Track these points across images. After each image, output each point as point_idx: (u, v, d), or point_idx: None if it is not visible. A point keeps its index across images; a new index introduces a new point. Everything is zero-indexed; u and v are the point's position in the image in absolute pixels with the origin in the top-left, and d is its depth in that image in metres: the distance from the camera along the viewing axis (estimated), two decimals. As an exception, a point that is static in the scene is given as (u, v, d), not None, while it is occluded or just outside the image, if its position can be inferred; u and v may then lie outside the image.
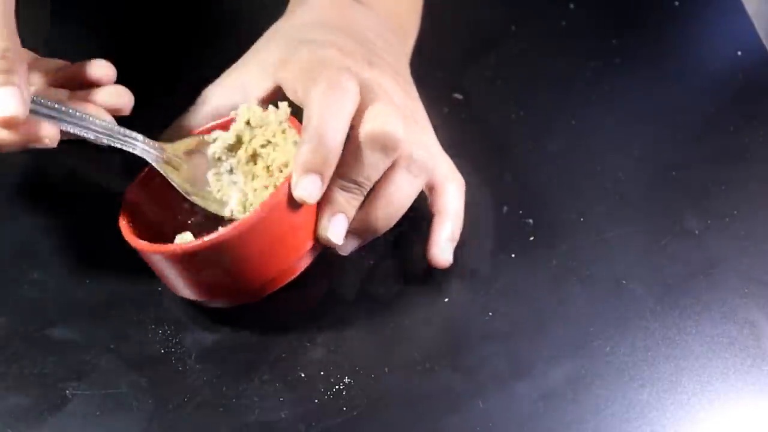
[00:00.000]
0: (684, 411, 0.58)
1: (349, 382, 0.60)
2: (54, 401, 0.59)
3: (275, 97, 0.65)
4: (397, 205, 0.63)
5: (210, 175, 0.64)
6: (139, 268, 0.62)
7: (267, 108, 0.64)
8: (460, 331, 0.63)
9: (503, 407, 0.59)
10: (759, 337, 0.62)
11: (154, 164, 0.62)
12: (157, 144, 0.63)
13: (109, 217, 0.63)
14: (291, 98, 0.63)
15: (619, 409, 0.58)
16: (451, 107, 0.78)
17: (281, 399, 0.59)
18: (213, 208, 0.63)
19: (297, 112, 0.62)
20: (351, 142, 0.60)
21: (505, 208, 0.70)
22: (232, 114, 0.64)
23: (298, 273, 0.62)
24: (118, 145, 0.61)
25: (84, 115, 0.60)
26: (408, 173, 0.62)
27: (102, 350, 0.62)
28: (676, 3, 0.88)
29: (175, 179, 0.63)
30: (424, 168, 0.63)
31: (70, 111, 0.59)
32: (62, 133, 0.60)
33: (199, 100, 0.68)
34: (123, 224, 0.61)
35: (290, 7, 0.72)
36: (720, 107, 0.78)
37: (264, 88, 0.65)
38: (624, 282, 0.65)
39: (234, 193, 0.63)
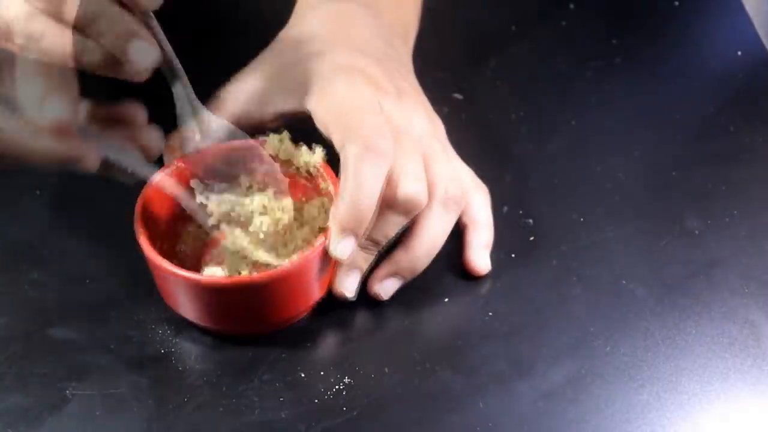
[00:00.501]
0: (684, 411, 0.58)
1: (349, 382, 0.60)
2: (54, 401, 0.59)
3: (293, 117, 0.65)
4: (437, 241, 0.64)
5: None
6: (139, 268, 0.62)
7: (299, 145, 0.64)
8: (460, 331, 0.63)
9: (503, 407, 0.59)
10: (759, 337, 0.62)
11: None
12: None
13: (110, 217, 0.64)
14: (320, 130, 0.63)
15: (619, 409, 0.58)
16: (451, 107, 0.78)
17: (281, 399, 0.59)
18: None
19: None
20: None
21: (505, 208, 0.70)
22: (262, 140, 0.64)
23: (303, 316, 0.63)
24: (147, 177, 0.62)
25: (122, 149, 0.61)
26: (444, 211, 0.64)
27: (102, 350, 0.62)
28: (676, 3, 0.88)
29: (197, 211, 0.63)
30: (459, 201, 0.65)
31: (110, 143, 0.60)
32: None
33: (222, 96, 0.66)
34: (142, 239, 0.60)
35: (299, 10, 0.72)
36: (720, 107, 0.78)
37: (284, 106, 0.65)
38: (624, 282, 0.65)
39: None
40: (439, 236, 0.64)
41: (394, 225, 0.63)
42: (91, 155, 0.59)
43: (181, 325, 0.63)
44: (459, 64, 0.83)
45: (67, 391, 0.60)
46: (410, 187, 0.61)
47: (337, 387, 0.60)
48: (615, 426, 0.58)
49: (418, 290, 0.65)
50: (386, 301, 0.64)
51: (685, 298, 0.64)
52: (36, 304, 0.65)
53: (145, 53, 0.55)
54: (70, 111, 0.56)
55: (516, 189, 0.72)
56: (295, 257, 0.60)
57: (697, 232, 0.68)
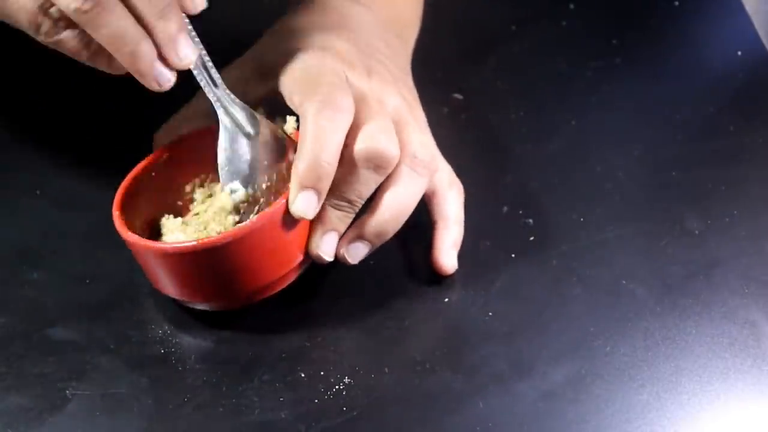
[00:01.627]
0: (684, 411, 0.58)
1: (349, 382, 0.60)
2: (54, 401, 0.59)
3: (268, 99, 0.65)
4: (405, 205, 0.63)
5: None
6: (139, 268, 0.62)
7: (275, 120, 0.64)
8: (460, 331, 0.63)
9: (503, 407, 0.59)
10: (759, 337, 0.62)
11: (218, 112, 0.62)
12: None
13: (110, 217, 0.63)
14: (288, 104, 0.63)
15: (619, 409, 0.58)
16: (451, 107, 0.78)
17: (281, 399, 0.59)
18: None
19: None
20: (344, 160, 0.61)
21: (505, 208, 0.70)
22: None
23: (284, 285, 0.62)
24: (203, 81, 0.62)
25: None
26: (412, 172, 0.63)
27: (102, 350, 0.62)
28: (676, 3, 0.88)
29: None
30: (428, 166, 0.64)
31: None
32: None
33: (196, 98, 0.68)
34: (116, 216, 0.61)
35: (291, 8, 0.72)
36: (720, 107, 0.78)
37: (263, 89, 0.65)
38: (624, 282, 0.65)
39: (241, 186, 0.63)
40: (406, 199, 0.63)
41: (366, 183, 0.61)
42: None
43: (181, 325, 0.63)
44: (459, 64, 0.83)
45: (67, 391, 0.60)
46: (380, 142, 0.61)
47: (337, 387, 0.60)
48: (615, 426, 0.58)
49: (418, 290, 0.65)
50: (386, 301, 0.64)
51: (685, 298, 0.64)
52: (36, 304, 0.65)
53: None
54: None
55: (516, 189, 0.72)
56: (254, 218, 0.59)
57: (697, 232, 0.68)
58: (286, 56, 0.65)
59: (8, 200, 0.71)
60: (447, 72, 0.82)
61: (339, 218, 0.62)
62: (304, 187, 0.59)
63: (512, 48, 0.84)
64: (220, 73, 0.66)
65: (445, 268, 0.65)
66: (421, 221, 0.67)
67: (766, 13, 0.87)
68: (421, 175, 0.63)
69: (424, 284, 0.66)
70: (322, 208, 0.61)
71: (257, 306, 0.63)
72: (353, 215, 0.62)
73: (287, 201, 0.59)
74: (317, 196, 0.59)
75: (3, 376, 0.61)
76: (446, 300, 0.65)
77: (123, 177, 0.64)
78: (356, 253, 0.63)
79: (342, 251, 0.63)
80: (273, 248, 0.60)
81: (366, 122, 0.61)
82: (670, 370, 0.60)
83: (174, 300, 0.64)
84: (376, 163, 0.61)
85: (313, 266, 0.63)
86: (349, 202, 0.62)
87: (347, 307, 0.64)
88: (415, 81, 0.72)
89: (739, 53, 0.83)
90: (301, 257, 0.62)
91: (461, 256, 0.67)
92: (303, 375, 0.61)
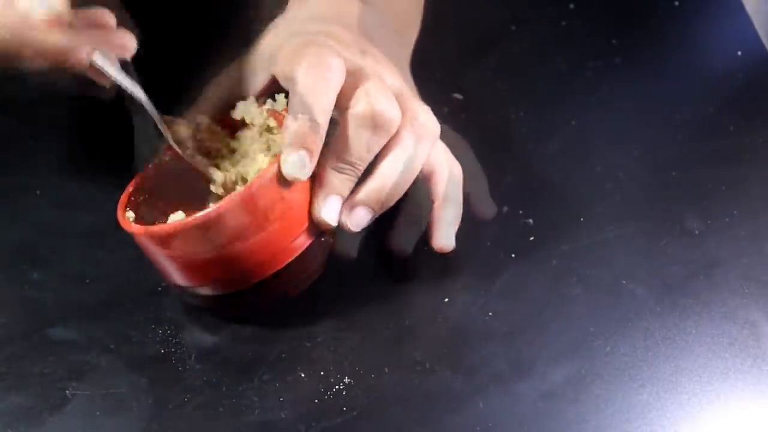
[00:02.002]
0: (684, 411, 0.58)
1: (349, 382, 0.60)
2: (54, 401, 0.59)
3: (272, 88, 0.65)
4: (407, 170, 0.62)
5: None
6: (139, 267, 0.62)
7: (264, 102, 0.64)
8: (460, 331, 0.63)
9: (503, 407, 0.59)
10: (759, 337, 0.62)
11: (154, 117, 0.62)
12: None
13: (110, 216, 0.63)
14: (284, 86, 0.63)
15: (619, 409, 0.58)
16: (451, 107, 0.78)
17: (281, 399, 0.59)
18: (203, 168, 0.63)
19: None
20: (343, 123, 0.61)
21: (505, 208, 0.70)
22: (235, 115, 0.65)
23: (291, 258, 0.61)
24: (131, 90, 0.61)
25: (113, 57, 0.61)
26: (413, 135, 0.62)
27: (102, 350, 0.62)
28: (676, 3, 0.88)
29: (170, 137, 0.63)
30: (431, 131, 0.63)
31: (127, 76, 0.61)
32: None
33: (204, 94, 0.67)
34: (120, 212, 0.61)
35: (289, 5, 0.72)
36: (720, 107, 0.78)
37: (260, 80, 0.65)
38: (624, 282, 0.65)
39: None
40: (409, 165, 0.62)
41: (366, 145, 0.60)
42: (82, 47, 0.58)
43: (181, 325, 0.63)
44: (459, 64, 0.83)
45: (67, 391, 0.60)
46: (379, 103, 0.60)
47: (337, 387, 0.60)
48: (615, 426, 0.58)
49: (418, 290, 0.66)
50: (386, 301, 0.64)
51: (685, 298, 0.64)
52: (36, 304, 0.65)
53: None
54: (63, 4, 0.57)
55: (516, 189, 0.72)
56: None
57: (697, 232, 0.68)
58: (282, 46, 0.65)
59: (8, 200, 0.71)
60: (447, 72, 0.82)
61: (341, 181, 0.61)
62: (295, 146, 0.58)
63: (512, 48, 0.84)
64: (222, 72, 0.66)
65: (443, 246, 0.65)
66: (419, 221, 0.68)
67: (766, 13, 0.87)
68: (424, 139, 0.62)
69: (424, 284, 0.66)
70: (324, 172, 0.60)
71: (257, 305, 0.63)
72: (356, 179, 0.61)
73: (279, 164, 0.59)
74: (309, 156, 0.59)
75: (3, 376, 0.61)
76: (446, 300, 0.65)
77: (123, 177, 0.64)
78: (357, 219, 0.62)
79: (343, 218, 0.62)
80: (270, 214, 0.59)
81: (366, 84, 0.61)
82: (670, 370, 0.60)
83: (174, 300, 0.64)
84: (375, 122, 0.60)
85: (316, 263, 0.63)
86: (350, 164, 0.61)
87: (347, 307, 0.64)
88: (415, 81, 0.71)
89: (739, 53, 0.83)
90: (304, 226, 0.61)
91: (461, 255, 0.67)
92: (303, 375, 0.61)
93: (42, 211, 0.71)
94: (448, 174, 0.66)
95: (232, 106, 0.65)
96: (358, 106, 0.60)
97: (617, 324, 0.63)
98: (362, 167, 0.61)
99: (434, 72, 0.81)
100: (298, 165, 0.59)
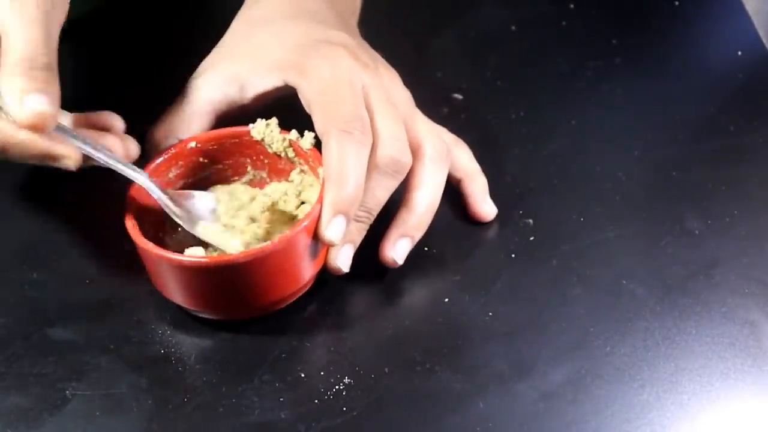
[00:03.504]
0: (684, 411, 0.58)
1: (349, 382, 0.60)
2: (54, 401, 0.59)
3: (277, 95, 0.65)
4: (436, 196, 0.66)
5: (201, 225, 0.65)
6: (139, 268, 0.62)
7: (288, 131, 0.65)
8: (460, 331, 0.63)
9: (503, 407, 0.59)
10: (759, 337, 0.62)
11: (159, 200, 0.63)
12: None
13: (110, 217, 0.63)
14: (305, 107, 0.64)
15: (620, 409, 0.58)
16: (451, 107, 0.78)
17: (281, 399, 0.59)
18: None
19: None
20: None
21: (505, 208, 0.70)
22: (251, 127, 0.65)
23: (295, 298, 0.63)
24: (127, 175, 0.62)
25: (102, 147, 0.62)
26: (436, 165, 0.66)
27: (102, 351, 0.62)
28: (676, 3, 0.88)
29: (175, 211, 0.63)
30: (447, 156, 0.67)
31: (89, 140, 0.61)
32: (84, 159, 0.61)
33: (189, 91, 0.67)
34: (129, 224, 0.61)
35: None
36: (720, 107, 0.78)
37: (267, 84, 0.65)
38: (624, 282, 0.65)
39: (232, 237, 0.64)
40: (436, 190, 0.66)
41: (383, 190, 0.63)
42: (71, 154, 0.59)
43: (181, 325, 0.63)
44: (459, 64, 0.83)
45: (67, 391, 0.60)
46: (393, 149, 0.63)
47: (337, 387, 0.60)
48: (615, 426, 0.58)
49: (418, 290, 0.66)
50: (386, 301, 0.64)
51: (685, 298, 0.64)
52: (36, 304, 0.65)
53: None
54: (51, 107, 0.57)
55: (516, 189, 0.72)
56: (277, 238, 0.60)
57: (697, 232, 0.68)
58: (291, 49, 0.65)
59: (8, 200, 0.71)
60: (447, 72, 0.82)
61: (357, 230, 0.63)
62: (336, 212, 0.60)
63: (512, 48, 0.84)
64: (206, 66, 0.67)
65: (487, 214, 0.68)
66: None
67: (766, 13, 0.87)
68: (443, 164, 0.66)
69: (424, 284, 0.66)
70: None
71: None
72: (368, 225, 0.64)
73: (309, 223, 0.60)
74: (347, 222, 0.61)
75: (3, 376, 0.61)
76: (446, 300, 0.65)
77: (124, 177, 0.64)
78: (402, 251, 0.65)
79: (390, 254, 0.65)
80: (288, 267, 0.61)
81: (380, 130, 0.63)
82: (671, 370, 0.60)
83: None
84: (393, 169, 0.63)
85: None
86: (368, 210, 0.63)
87: (347, 307, 0.64)
88: (415, 81, 0.71)
89: (739, 53, 0.83)
90: (312, 274, 0.63)
91: (461, 256, 0.67)
92: (303, 375, 0.61)
93: (42, 212, 0.70)
94: (460, 150, 0.69)
95: (227, 105, 0.65)
96: (377, 156, 0.62)
97: (617, 324, 0.63)
98: (377, 212, 0.64)
99: (434, 72, 0.81)
100: (338, 231, 0.61)
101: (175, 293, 0.62)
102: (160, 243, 0.63)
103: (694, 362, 0.61)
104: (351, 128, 0.61)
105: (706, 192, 0.71)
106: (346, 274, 0.63)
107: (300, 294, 0.63)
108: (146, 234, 0.61)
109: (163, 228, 0.65)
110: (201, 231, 0.63)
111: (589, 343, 0.62)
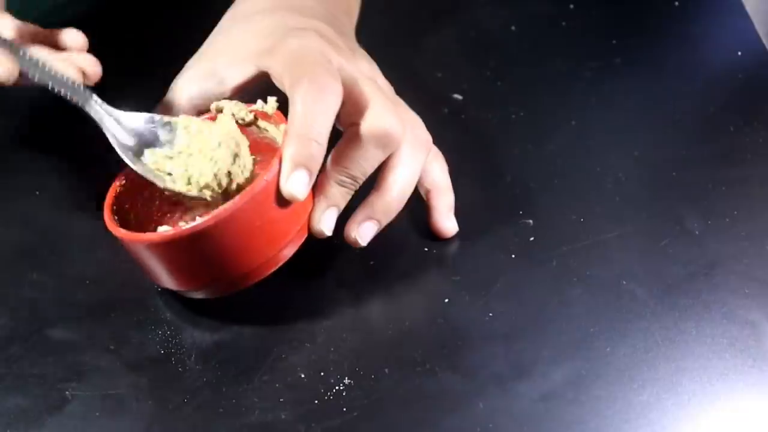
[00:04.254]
0: (684, 412, 0.58)
1: (349, 383, 0.60)
2: (54, 402, 0.59)
3: (254, 84, 0.66)
4: (409, 183, 0.65)
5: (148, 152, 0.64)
6: (138, 268, 0.62)
7: (254, 103, 0.64)
8: (460, 331, 0.63)
9: (503, 408, 0.59)
10: (759, 338, 0.62)
11: (100, 123, 0.62)
12: (108, 107, 0.63)
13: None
14: (279, 87, 0.63)
15: (620, 409, 0.58)
16: (451, 107, 0.78)
17: (281, 400, 0.59)
18: (150, 177, 0.63)
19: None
20: (351, 138, 0.62)
21: (505, 208, 0.70)
22: (212, 108, 0.65)
23: (280, 264, 0.62)
24: (74, 100, 0.62)
25: (47, 65, 0.61)
26: (414, 152, 0.64)
27: (102, 351, 0.62)
28: (676, 3, 0.88)
29: (121, 140, 0.63)
30: (427, 143, 0.66)
31: (34, 57, 0.61)
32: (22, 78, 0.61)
33: (171, 92, 0.68)
34: (107, 214, 0.61)
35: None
36: (720, 107, 0.78)
37: (242, 75, 0.66)
38: (624, 282, 0.65)
39: (176, 168, 0.63)
40: (410, 178, 0.64)
41: (372, 160, 0.63)
42: (6, 66, 0.60)
43: (181, 325, 0.63)
44: (459, 64, 0.83)
45: (67, 392, 0.60)
46: (386, 121, 0.62)
47: (336, 387, 0.60)
48: (615, 427, 0.58)
49: (418, 290, 0.65)
50: (386, 301, 0.64)
51: (685, 298, 0.64)
52: (36, 304, 0.65)
53: None
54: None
55: (516, 189, 0.72)
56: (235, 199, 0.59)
57: (697, 232, 0.68)
58: (266, 37, 0.65)
59: (8, 200, 0.71)
60: (447, 72, 0.82)
61: (342, 194, 0.63)
62: (296, 165, 0.59)
63: (512, 48, 0.84)
64: (188, 64, 0.67)
65: (446, 230, 0.67)
66: (419, 220, 0.68)
67: (766, 13, 0.87)
68: (421, 152, 0.65)
69: (424, 284, 0.66)
70: (326, 185, 0.62)
71: (257, 306, 0.63)
72: (353, 192, 0.63)
73: (271, 178, 0.59)
74: (309, 176, 0.60)
75: (3, 377, 0.61)
76: (446, 300, 0.65)
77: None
78: (367, 233, 0.64)
79: (353, 234, 0.64)
80: (261, 226, 0.59)
81: (369, 101, 0.62)
82: (671, 371, 0.60)
83: (174, 300, 0.64)
84: (384, 141, 0.62)
85: (316, 263, 0.63)
86: (353, 178, 0.62)
87: (347, 308, 0.64)
88: (415, 81, 0.72)
89: (739, 53, 0.83)
90: (293, 234, 0.61)
91: (461, 256, 0.67)
92: (303, 375, 0.61)
93: (42, 212, 0.71)
94: (436, 164, 0.68)
95: (206, 99, 0.66)
96: (367, 124, 0.62)
97: (617, 324, 0.63)
98: (362, 181, 0.63)
99: (434, 72, 0.81)
100: (299, 184, 0.59)
101: (160, 276, 0.61)
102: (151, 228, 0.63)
103: (694, 362, 0.61)
104: (316, 79, 0.60)
105: (706, 192, 0.71)
106: (349, 269, 0.63)
107: (287, 257, 0.62)
108: (140, 227, 0.61)
109: (161, 221, 0.65)
110: (147, 156, 0.63)
111: (589, 343, 0.62)
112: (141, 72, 0.80)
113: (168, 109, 0.67)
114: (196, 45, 0.70)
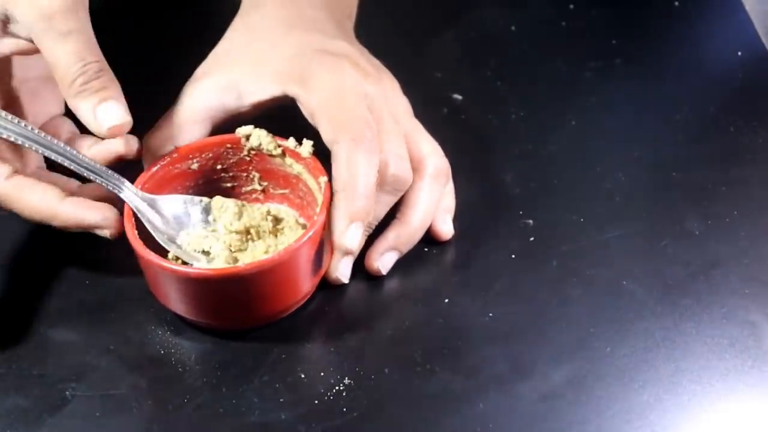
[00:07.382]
0: (684, 412, 0.58)
1: (349, 383, 0.60)
2: (54, 402, 0.59)
3: (275, 104, 0.65)
4: (429, 212, 0.66)
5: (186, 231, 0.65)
6: (138, 269, 0.62)
7: (285, 139, 0.65)
8: (460, 331, 0.63)
9: (503, 408, 0.59)
10: (759, 338, 0.62)
11: (136, 210, 0.63)
12: (143, 194, 0.63)
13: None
14: (305, 114, 0.64)
15: (620, 410, 0.58)
16: (451, 107, 0.78)
17: (281, 400, 0.59)
18: (186, 259, 0.64)
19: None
20: None
21: (505, 208, 0.70)
22: (239, 132, 0.65)
23: (293, 309, 0.63)
24: (108, 187, 0.63)
25: (76, 153, 0.62)
26: (434, 183, 0.66)
27: (102, 351, 0.62)
28: (676, 3, 0.88)
29: (156, 225, 0.63)
30: (447, 174, 0.67)
31: (63, 146, 0.62)
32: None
33: (186, 98, 0.66)
34: (130, 233, 0.61)
35: (243, 6, 0.72)
36: (720, 107, 0.78)
37: (265, 93, 0.65)
38: (624, 283, 0.65)
39: (217, 247, 0.64)
40: (432, 208, 0.66)
41: (384, 205, 0.64)
42: (107, 223, 0.63)
43: (181, 325, 0.63)
44: (459, 64, 0.83)
45: (67, 392, 0.60)
46: (397, 168, 0.63)
47: (337, 388, 0.60)
48: (615, 427, 0.58)
49: (418, 290, 0.65)
50: (386, 301, 0.64)
51: (685, 298, 0.64)
52: (36, 304, 0.65)
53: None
54: (123, 114, 0.62)
55: (516, 189, 0.72)
56: (281, 249, 0.60)
57: (697, 232, 0.68)
58: (291, 60, 0.65)
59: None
60: (447, 72, 0.82)
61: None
62: (353, 220, 0.61)
63: (512, 48, 0.84)
64: (204, 71, 0.67)
65: (443, 233, 0.67)
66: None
67: (766, 13, 0.87)
68: (441, 182, 0.67)
69: (424, 285, 0.66)
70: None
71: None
72: (366, 236, 0.64)
73: (312, 235, 0.60)
74: (363, 229, 0.62)
75: (3, 377, 0.61)
76: (446, 300, 0.65)
77: (124, 177, 0.64)
78: (389, 262, 0.66)
79: (376, 264, 0.65)
80: (292, 278, 0.61)
81: (384, 147, 0.63)
82: (671, 371, 0.60)
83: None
84: (396, 187, 0.64)
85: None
86: (369, 225, 0.64)
87: (347, 307, 0.64)
88: (415, 81, 0.72)
89: (739, 53, 0.83)
90: (312, 284, 0.63)
91: (461, 255, 0.67)
92: (303, 376, 0.61)
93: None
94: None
95: (224, 112, 0.65)
96: (379, 173, 0.63)
97: (617, 324, 0.63)
98: (375, 225, 0.65)
99: (434, 72, 0.81)
100: (357, 238, 0.62)
101: (177, 303, 0.62)
102: (161, 250, 0.63)
103: (694, 363, 0.61)
104: (361, 137, 0.62)
105: (706, 192, 0.71)
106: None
107: (300, 304, 0.63)
108: (147, 241, 0.61)
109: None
110: (184, 238, 0.64)
111: (589, 343, 0.62)
112: (141, 71, 0.80)
113: (181, 117, 0.65)
114: (196, 45, 0.70)
